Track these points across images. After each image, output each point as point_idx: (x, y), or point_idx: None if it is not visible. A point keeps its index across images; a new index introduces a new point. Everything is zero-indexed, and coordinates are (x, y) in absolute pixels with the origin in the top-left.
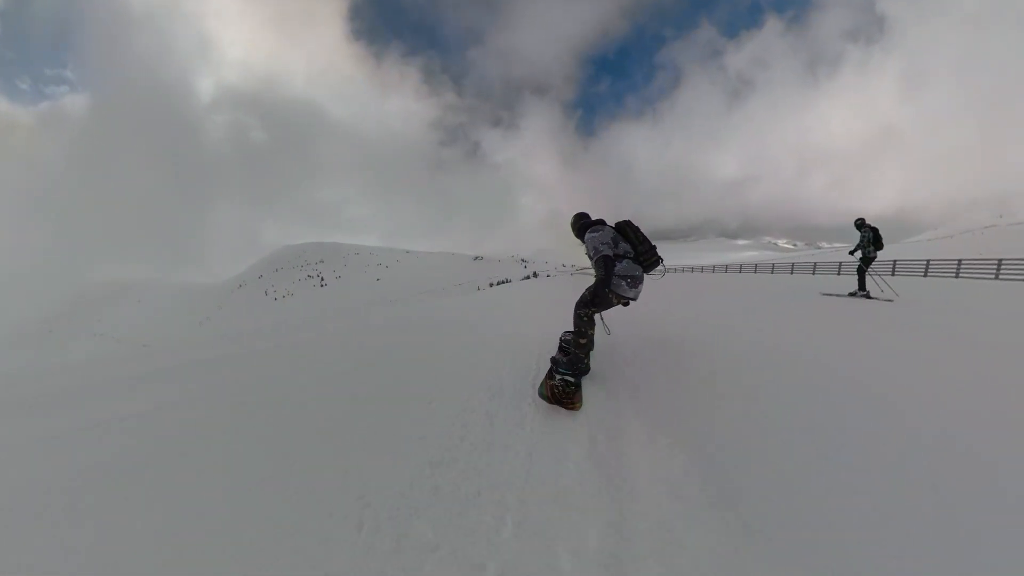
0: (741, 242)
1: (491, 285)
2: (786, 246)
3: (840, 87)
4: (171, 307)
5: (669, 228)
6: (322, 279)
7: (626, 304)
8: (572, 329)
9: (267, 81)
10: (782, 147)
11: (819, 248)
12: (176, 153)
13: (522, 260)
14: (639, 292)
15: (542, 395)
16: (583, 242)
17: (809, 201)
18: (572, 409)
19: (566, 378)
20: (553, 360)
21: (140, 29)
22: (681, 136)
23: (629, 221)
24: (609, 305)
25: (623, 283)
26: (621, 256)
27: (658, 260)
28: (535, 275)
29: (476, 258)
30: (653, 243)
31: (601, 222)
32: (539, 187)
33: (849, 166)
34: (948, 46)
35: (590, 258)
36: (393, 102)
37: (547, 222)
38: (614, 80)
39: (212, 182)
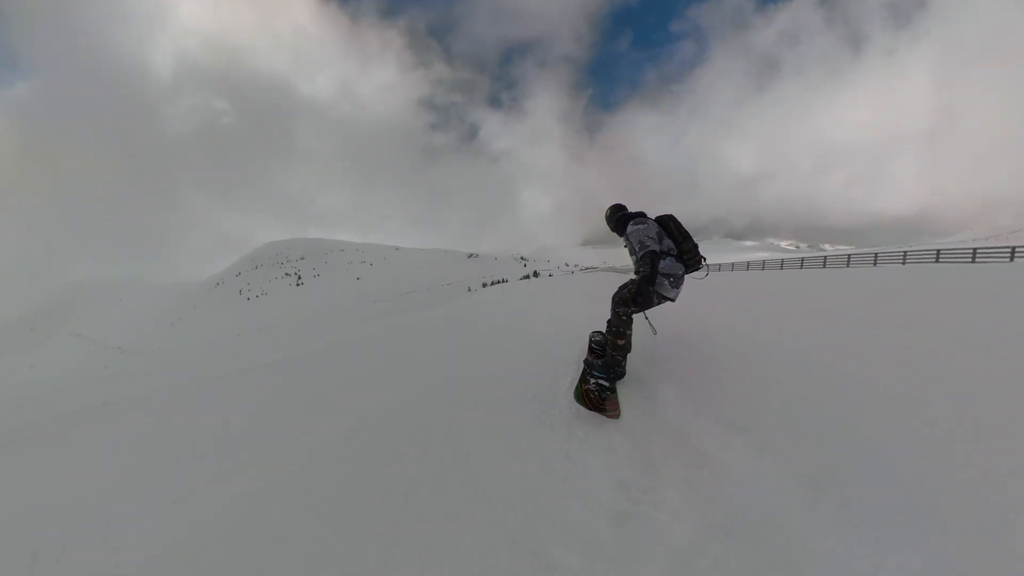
0: (749, 243)
1: (484, 286)
2: (788, 247)
3: (866, 76)
4: (149, 307)
5: None
6: (299, 277)
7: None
8: (605, 329)
9: (231, 55)
10: (801, 141)
11: (822, 250)
12: (135, 140)
13: (521, 258)
14: (679, 292)
15: (578, 399)
16: (620, 235)
17: (824, 200)
18: (612, 417)
19: (600, 382)
20: (586, 363)
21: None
22: (697, 125)
23: (672, 216)
24: (650, 304)
25: (666, 282)
26: (665, 253)
27: (700, 259)
28: (535, 275)
29: (470, 255)
30: (696, 240)
31: (642, 215)
32: (542, 180)
33: (870, 162)
34: (986, 29)
35: (632, 252)
36: (374, 75)
37: (550, 218)
38: (630, 50)
39: (176, 172)
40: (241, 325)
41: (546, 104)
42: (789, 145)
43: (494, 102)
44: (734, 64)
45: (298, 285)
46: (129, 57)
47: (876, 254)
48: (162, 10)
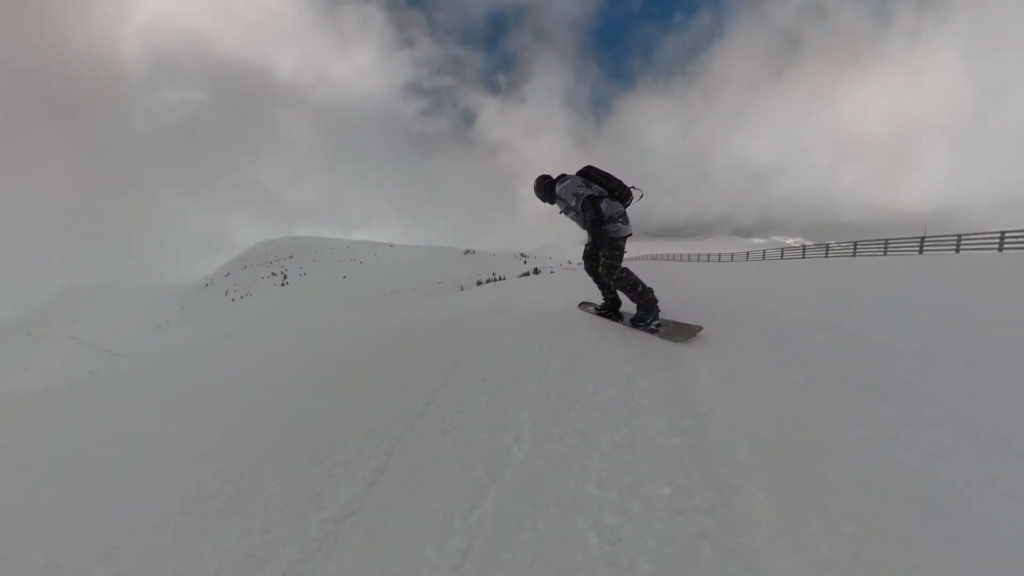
0: (756, 240)
1: (478, 284)
2: (793, 245)
3: (889, 61)
4: (141, 309)
5: (681, 225)
6: (285, 277)
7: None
8: (603, 297)
9: (200, 42)
10: (818, 132)
11: (825, 246)
12: (107, 137)
13: (521, 255)
14: (630, 227)
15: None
16: (553, 203)
17: (839, 196)
18: (695, 332)
19: (656, 323)
20: (632, 322)
21: None
22: (709, 113)
23: (590, 165)
24: (607, 242)
25: (618, 223)
26: (596, 196)
27: (630, 191)
28: (536, 271)
29: (467, 252)
30: (619, 178)
31: (564, 175)
32: (544, 172)
33: (890, 155)
34: (1020, 9)
35: (567, 211)
36: (355, 57)
37: (553, 214)
38: (639, 21)
39: (154, 169)
40: (223, 327)
41: (547, 87)
42: (805, 136)
43: (490, 85)
44: (752, 41)
45: (283, 285)
46: (95, 48)
47: (855, 243)
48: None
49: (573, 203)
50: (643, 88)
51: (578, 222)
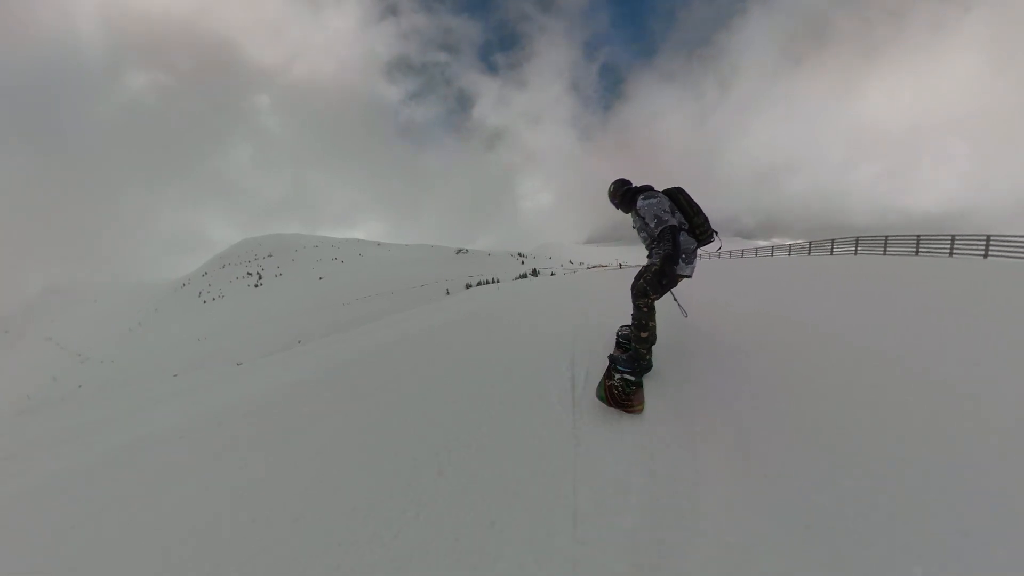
0: (760, 243)
1: (467, 287)
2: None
3: (909, 52)
4: (119, 310)
5: None
6: (260, 277)
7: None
8: (630, 323)
9: (160, 13)
10: (833, 128)
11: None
12: (70, 125)
13: (519, 255)
14: (694, 268)
15: (600, 397)
16: (627, 212)
17: (850, 196)
18: (633, 412)
19: (626, 376)
20: (611, 358)
21: None
22: (723, 105)
23: (681, 188)
24: (672, 285)
25: (680, 259)
26: (678, 228)
27: (713, 232)
28: (535, 273)
29: (459, 251)
30: (707, 214)
31: (650, 188)
32: (545, 167)
33: (907, 153)
34: None
35: (641, 230)
36: (333, 23)
37: (553, 213)
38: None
39: (122, 161)
40: (192, 332)
41: (551, 67)
42: (820, 132)
43: (488, 64)
44: (772, 22)
45: (256, 286)
46: (46, 25)
47: (810, 243)
48: None
49: (652, 225)
50: (656, 68)
51: (645, 242)
